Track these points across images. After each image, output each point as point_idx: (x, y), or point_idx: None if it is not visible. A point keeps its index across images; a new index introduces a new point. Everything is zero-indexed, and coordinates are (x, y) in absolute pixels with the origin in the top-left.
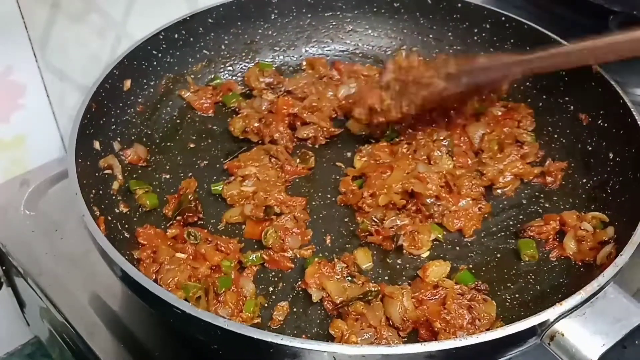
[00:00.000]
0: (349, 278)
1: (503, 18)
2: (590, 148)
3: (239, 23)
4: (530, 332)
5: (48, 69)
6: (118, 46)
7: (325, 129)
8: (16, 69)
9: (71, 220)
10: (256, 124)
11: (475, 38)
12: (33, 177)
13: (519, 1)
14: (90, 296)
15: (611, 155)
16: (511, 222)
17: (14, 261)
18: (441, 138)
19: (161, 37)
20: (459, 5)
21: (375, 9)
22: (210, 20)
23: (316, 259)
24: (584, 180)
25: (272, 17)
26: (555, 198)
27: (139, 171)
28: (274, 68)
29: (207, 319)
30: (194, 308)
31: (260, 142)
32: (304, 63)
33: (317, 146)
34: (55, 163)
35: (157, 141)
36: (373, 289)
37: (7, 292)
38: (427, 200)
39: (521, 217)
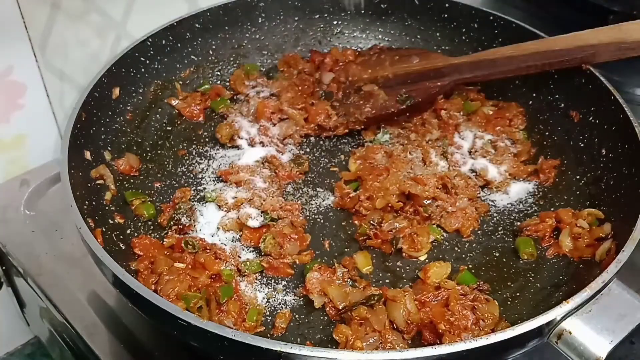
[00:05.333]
0: (350, 282)
1: (491, 17)
2: (582, 145)
3: (227, 27)
4: (538, 331)
5: (48, 69)
6: (118, 46)
7: (302, 126)
8: (16, 69)
9: (71, 220)
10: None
11: (464, 38)
12: (33, 177)
13: (518, 1)
14: (90, 296)
15: (604, 151)
16: (507, 221)
17: (14, 261)
18: (435, 139)
19: (149, 43)
20: (447, 5)
21: (362, 11)
22: (197, 25)
23: (316, 264)
24: (578, 177)
25: (260, 21)
26: (550, 195)
27: (131, 180)
28: (260, 70)
29: (214, 330)
30: (199, 319)
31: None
32: (279, 65)
33: (308, 149)
34: (55, 163)
35: (148, 149)
36: (375, 293)
37: (7, 292)
38: (425, 202)
39: (517, 215)
